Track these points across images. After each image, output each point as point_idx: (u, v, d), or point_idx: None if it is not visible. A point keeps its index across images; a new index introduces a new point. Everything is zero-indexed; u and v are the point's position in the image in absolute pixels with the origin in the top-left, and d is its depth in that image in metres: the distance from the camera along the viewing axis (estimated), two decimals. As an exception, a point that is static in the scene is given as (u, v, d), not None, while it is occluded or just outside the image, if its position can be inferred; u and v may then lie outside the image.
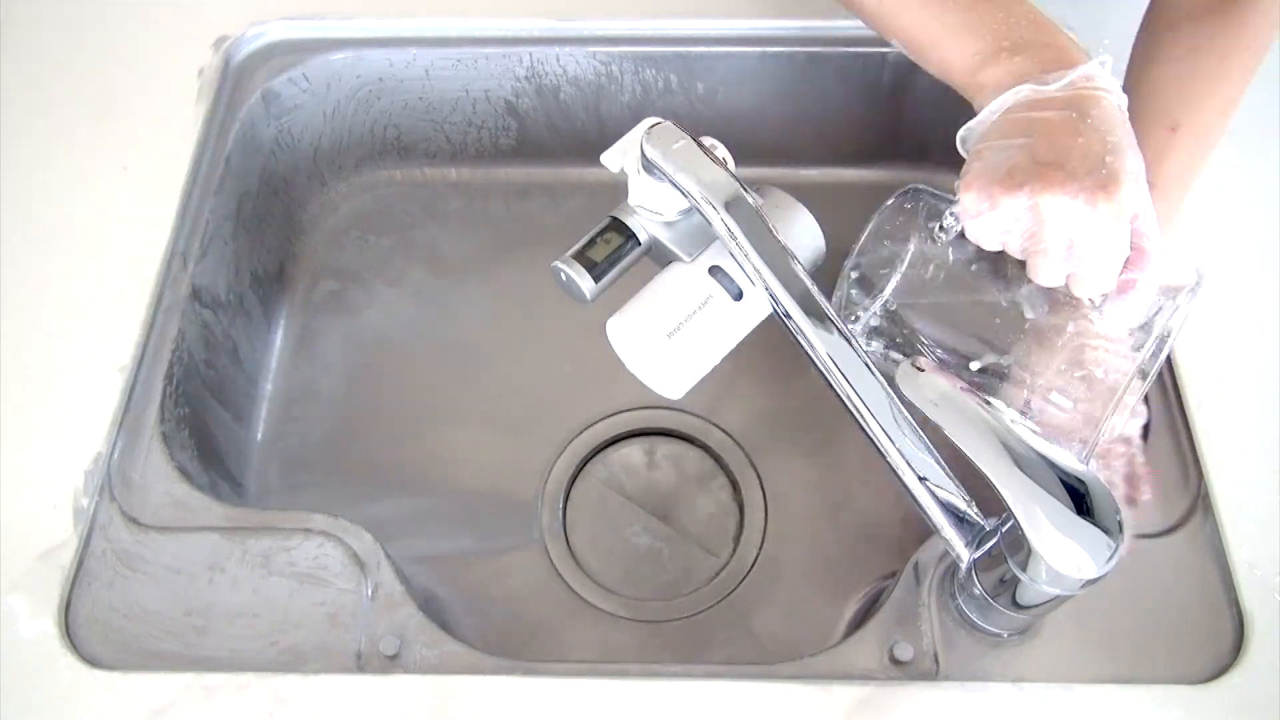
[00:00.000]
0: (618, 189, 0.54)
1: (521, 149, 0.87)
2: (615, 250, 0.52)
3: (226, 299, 0.73)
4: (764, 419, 0.77)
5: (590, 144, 0.86)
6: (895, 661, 0.53)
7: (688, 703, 0.51)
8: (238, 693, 0.51)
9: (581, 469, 0.76)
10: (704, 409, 0.77)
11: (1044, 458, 0.42)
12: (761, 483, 0.74)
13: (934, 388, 0.44)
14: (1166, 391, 0.61)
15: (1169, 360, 0.61)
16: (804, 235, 0.53)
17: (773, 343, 0.80)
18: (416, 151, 0.87)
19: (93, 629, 0.54)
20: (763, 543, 0.72)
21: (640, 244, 0.52)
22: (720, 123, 0.83)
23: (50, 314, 0.64)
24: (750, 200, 0.48)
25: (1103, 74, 0.48)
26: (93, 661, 0.52)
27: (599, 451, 0.76)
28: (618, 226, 0.52)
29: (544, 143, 0.86)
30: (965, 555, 0.47)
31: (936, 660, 0.53)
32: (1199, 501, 0.57)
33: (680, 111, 0.82)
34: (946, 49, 0.52)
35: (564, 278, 0.52)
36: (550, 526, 0.73)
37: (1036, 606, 0.48)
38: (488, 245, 0.86)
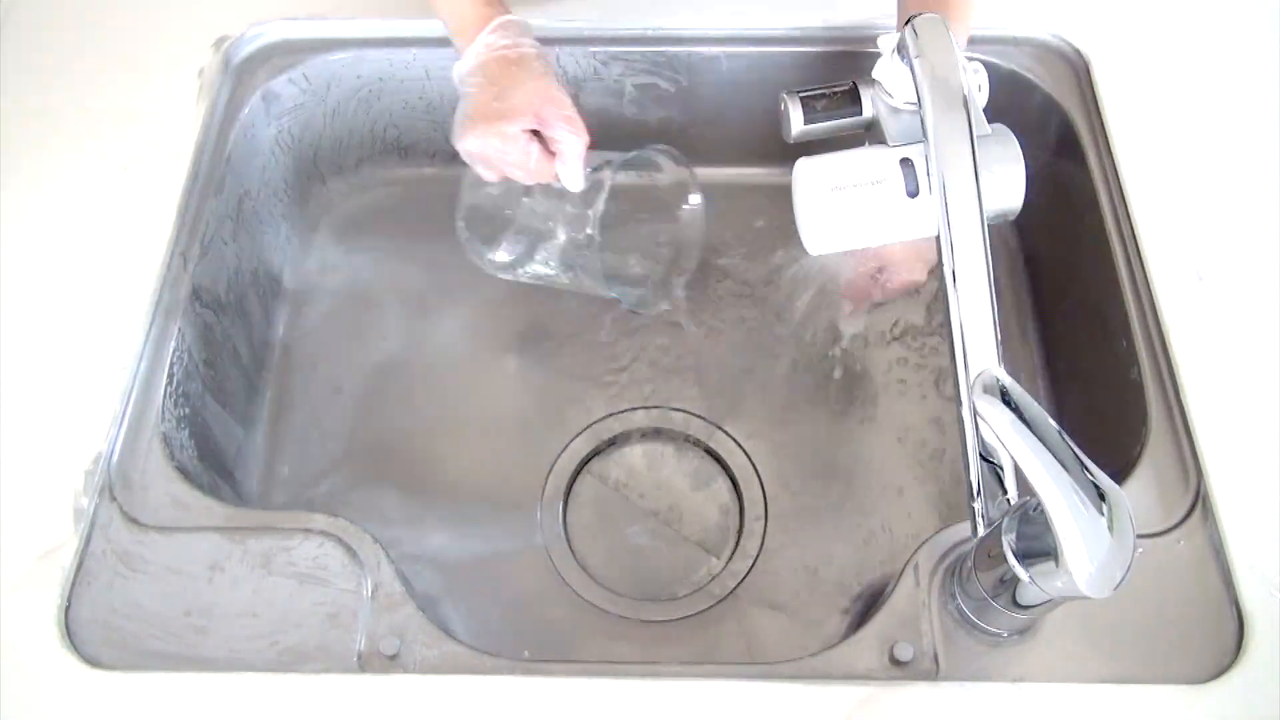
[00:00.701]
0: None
1: (521, 149, 0.87)
2: (837, 108, 0.55)
3: (226, 299, 0.73)
4: (764, 419, 0.77)
5: (590, 144, 0.86)
6: (895, 661, 0.53)
7: (688, 703, 0.51)
8: (238, 693, 0.51)
9: (581, 469, 0.76)
10: (704, 409, 0.77)
11: (1085, 467, 0.41)
12: (761, 483, 0.74)
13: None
14: (1166, 391, 0.61)
15: (1169, 360, 0.61)
16: (1006, 181, 0.53)
17: (776, 342, 0.80)
18: (416, 151, 0.87)
19: (93, 629, 0.54)
20: (763, 543, 0.72)
21: (861, 114, 0.54)
22: (719, 122, 0.83)
23: (50, 314, 0.64)
24: (969, 116, 0.48)
25: (505, 33, 0.64)
26: (93, 661, 0.52)
27: (599, 451, 0.76)
28: (852, 92, 0.55)
29: (544, 143, 0.86)
30: (981, 531, 0.47)
31: (936, 660, 0.53)
32: (1199, 501, 0.57)
33: (679, 110, 0.82)
34: None
35: (784, 107, 0.55)
36: (550, 526, 0.73)
37: (1036, 607, 0.48)
38: (488, 245, 0.86)
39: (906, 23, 0.51)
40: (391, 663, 0.53)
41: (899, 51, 0.52)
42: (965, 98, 0.48)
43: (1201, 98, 0.73)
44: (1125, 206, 0.68)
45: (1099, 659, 0.52)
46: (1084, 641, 0.53)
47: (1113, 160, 0.70)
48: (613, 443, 0.77)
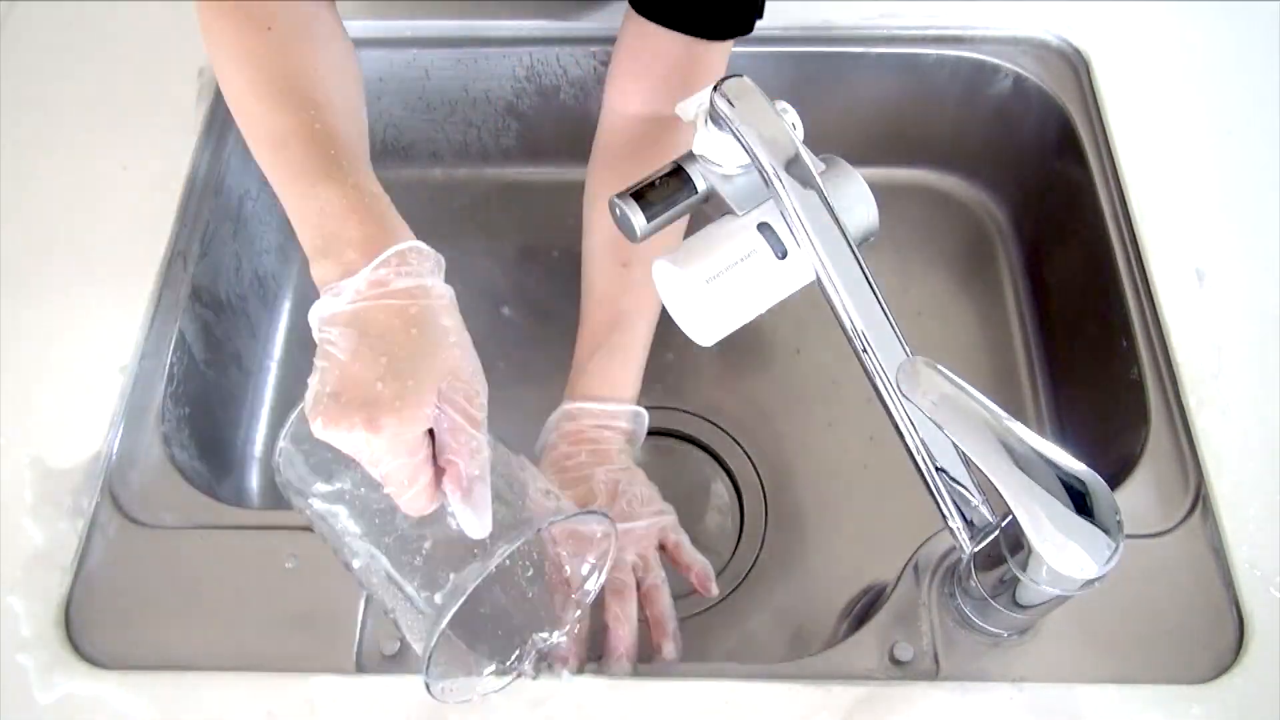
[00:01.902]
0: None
1: (522, 149, 0.87)
2: (672, 194, 0.53)
3: (226, 299, 0.73)
4: (764, 419, 0.77)
5: (590, 144, 0.86)
6: (895, 661, 0.53)
7: (688, 703, 0.51)
8: (238, 693, 0.51)
9: (581, 469, 0.76)
10: (704, 409, 0.77)
11: (1044, 457, 0.42)
12: (761, 483, 0.74)
13: (934, 386, 0.44)
14: (1166, 391, 0.61)
15: (1169, 360, 0.61)
16: (858, 208, 0.53)
17: (775, 342, 0.80)
18: (416, 151, 0.87)
19: (93, 629, 0.54)
20: (763, 543, 0.72)
21: (697, 192, 0.53)
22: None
23: (50, 314, 0.64)
24: (809, 163, 0.48)
25: (407, 267, 0.45)
26: (93, 661, 0.52)
27: (599, 451, 0.76)
28: (678, 173, 0.53)
29: (544, 143, 0.86)
30: (968, 547, 0.47)
31: (936, 660, 0.52)
32: (1199, 501, 0.57)
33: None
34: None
35: (619, 213, 0.53)
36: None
37: (1036, 606, 0.48)
38: (487, 245, 0.86)
39: (715, 88, 0.49)
40: (391, 663, 0.53)
41: (714, 121, 0.51)
42: (798, 146, 0.48)
43: (1202, 97, 0.73)
44: (1125, 206, 0.68)
45: (1099, 659, 0.52)
46: (1084, 642, 0.53)
47: (1113, 160, 0.70)
48: (613, 443, 0.77)
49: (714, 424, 0.76)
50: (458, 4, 0.79)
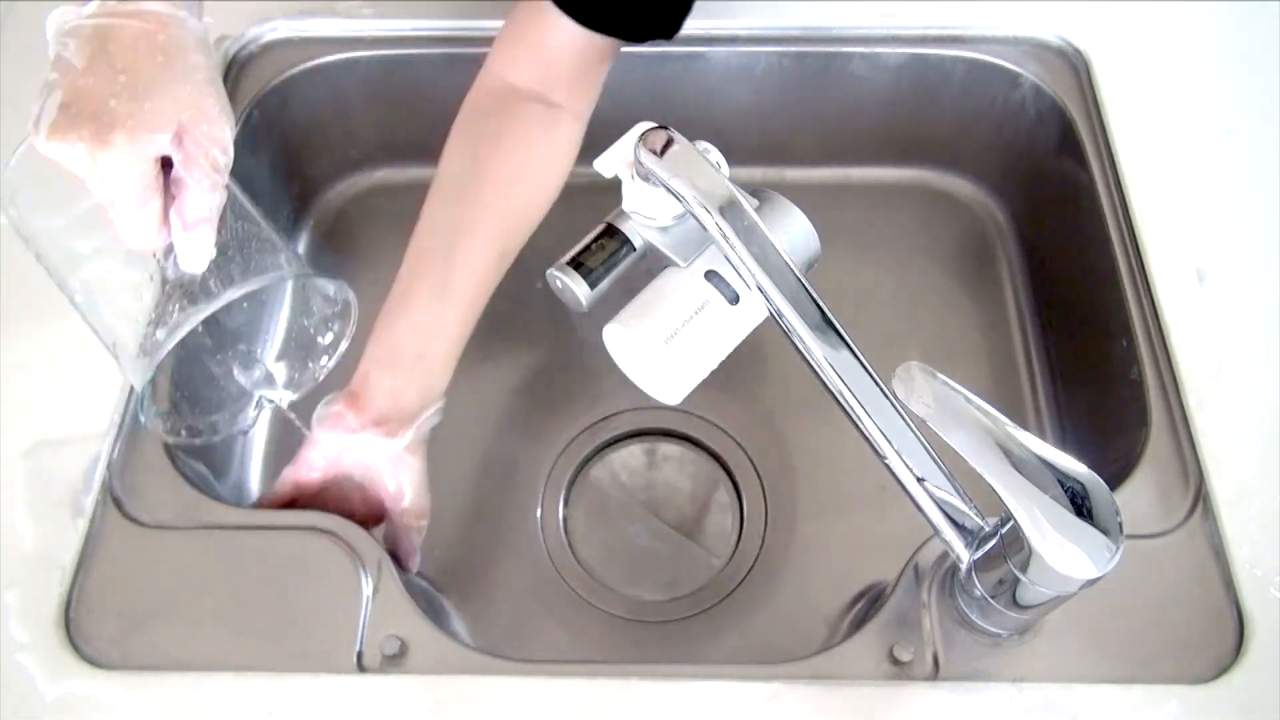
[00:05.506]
0: (620, 189, 0.54)
1: (521, 149, 0.87)
2: (610, 256, 0.52)
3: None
4: (764, 419, 0.77)
5: (591, 144, 0.85)
6: (895, 661, 0.53)
7: (687, 703, 0.51)
8: (238, 693, 0.51)
9: (581, 469, 0.76)
10: (704, 409, 0.77)
11: (1042, 460, 0.42)
12: (761, 483, 0.74)
13: (930, 391, 0.44)
14: (1166, 391, 0.61)
15: (1169, 360, 0.61)
16: (799, 237, 0.53)
17: (774, 341, 0.80)
18: (417, 151, 0.87)
19: (93, 629, 0.54)
20: (763, 543, 0.72)
21: (635, 249, 0.52)
22: (721, 122, 0.83)
23: (50, 313, 0.64)
24: (745, 204, 0.47)
25: None
26: (93, 661, 0.52)
27: (599, 451, 0.76)
28: (612, 232, 0.52)
29: (544, 143, 0.86)
30: (965, 556, 0.47)
31: (936, 660, 0.52)
32: (1199, 501, 0.57)
33: (682, 110, 0.82)
34: None
35: (559, 284, 0.52)
36: (550, 526, 0.73)
37: (1036, 606, 0.48)
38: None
39: (638, 141, 0.48)
40: (391, 663, 0.53)
41: (640, 177, 0.50)
42: (731, 189, 0.47)
43: (1202, 97, 0.73)
44: (1125, 206, 0.68)
45: (1099, 659, 0.52)
46: (1084, 641, 0.53)
47: (1113, 160, 0.70)
48: (613, 442, 0.77)
49: (714, 424, 0.76)
50: (457, 4, 0.79)
